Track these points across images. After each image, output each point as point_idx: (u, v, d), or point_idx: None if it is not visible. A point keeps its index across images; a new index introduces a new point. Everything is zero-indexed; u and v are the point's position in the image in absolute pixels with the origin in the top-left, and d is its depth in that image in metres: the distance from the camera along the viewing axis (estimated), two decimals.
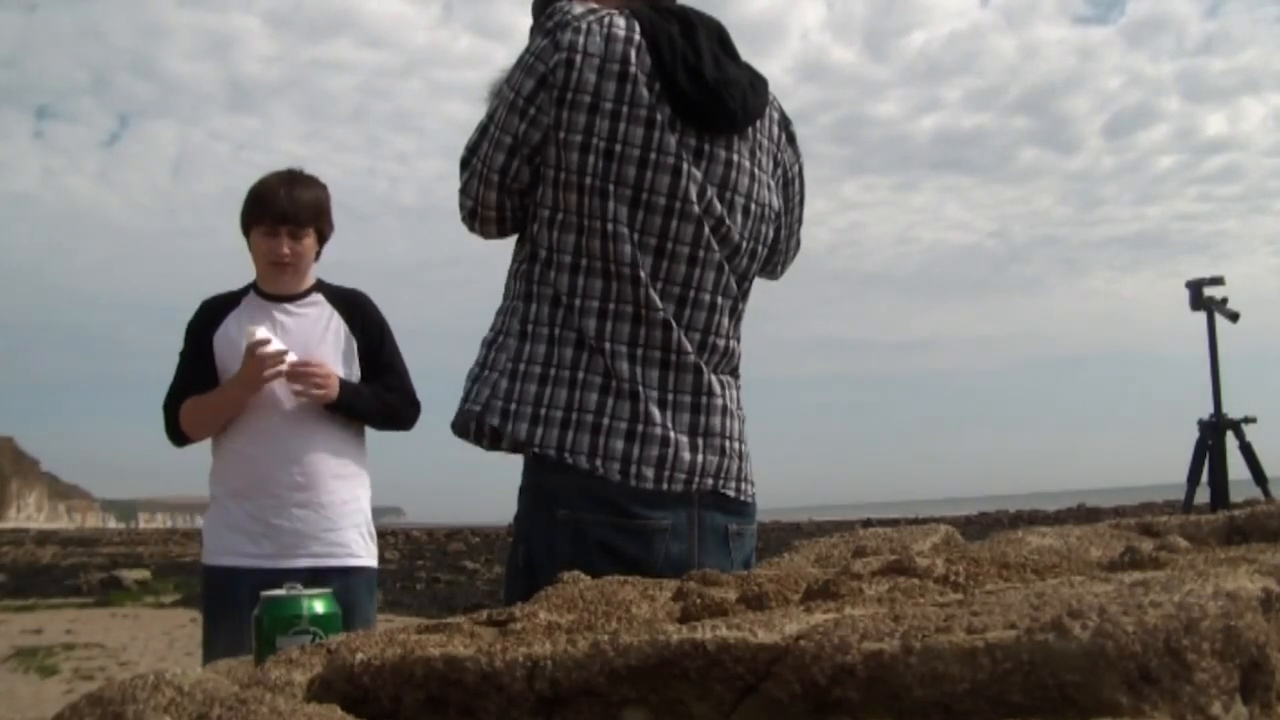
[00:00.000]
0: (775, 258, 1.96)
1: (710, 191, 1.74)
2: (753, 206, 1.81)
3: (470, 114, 1.82)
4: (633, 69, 1.68)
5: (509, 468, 1.76)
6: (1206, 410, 5.23)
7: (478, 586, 14.86)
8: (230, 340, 2.75)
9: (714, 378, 1.78)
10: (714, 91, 1.72)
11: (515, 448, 1.73)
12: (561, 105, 1.67)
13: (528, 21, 1.82)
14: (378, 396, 2.82)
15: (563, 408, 1.69)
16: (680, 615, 1.00)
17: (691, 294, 1.75)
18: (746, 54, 1.83)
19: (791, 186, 1.95)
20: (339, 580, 2.55)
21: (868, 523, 10.24)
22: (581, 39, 1.68)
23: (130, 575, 16.02)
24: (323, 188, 2.83)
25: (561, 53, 1.67)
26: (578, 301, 1.71)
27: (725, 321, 1.80)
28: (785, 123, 1.92)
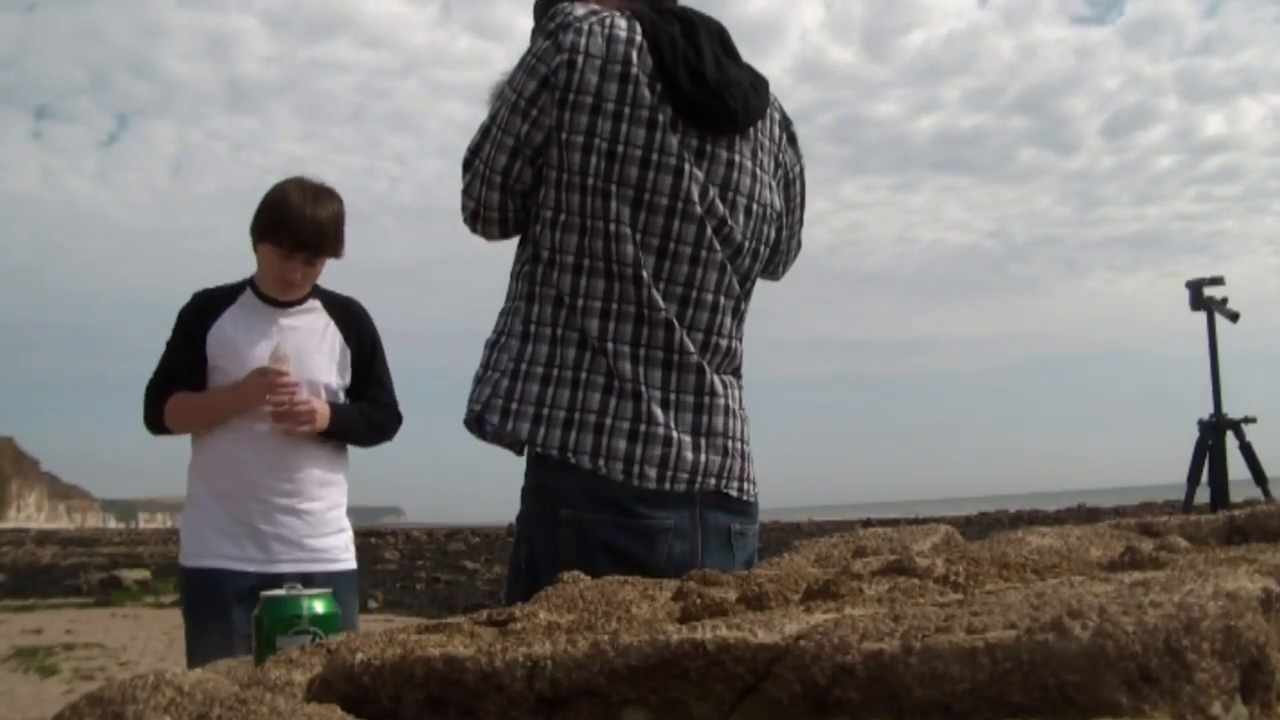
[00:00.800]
0: (776, 258, 1.96)
1: (712, 192, 1.74)
2: (755, 207, 1.81)
3: (469, 114, 1.83)
4: (634, 70, 1.68)
5: (509, 468, 1.77)
6: (1206, 410, 5.24)
7: (478, 586, 14.87)
8: (226, 339, 2.74)
9: (716, 378, 1.78)
10: (715, 92, 1.72)
11: (517, 447, 1.73)
12: (563, 106, 1.67)
13: (527, 22, 1.82)
14: (365, 416, 2.83)
15: (565, 408, 1.69)
16: (680, 615, 1.00)
17: (694, 294, 1.75)
18: (745, 54, 1.83)
19: (793, 187, 1.95)
20: (324, 585, 2.55)
21: (868, 523, 10.24)
22: (583, 40, 1.68)
23: (130, 575, 16.02)
24: (340, 201, 2.81)
25: (563, 54, 1.67)
26: (580, 302, 1.71)
27: (728, 322, 1.80)
28: (786, 123, 1.92)
